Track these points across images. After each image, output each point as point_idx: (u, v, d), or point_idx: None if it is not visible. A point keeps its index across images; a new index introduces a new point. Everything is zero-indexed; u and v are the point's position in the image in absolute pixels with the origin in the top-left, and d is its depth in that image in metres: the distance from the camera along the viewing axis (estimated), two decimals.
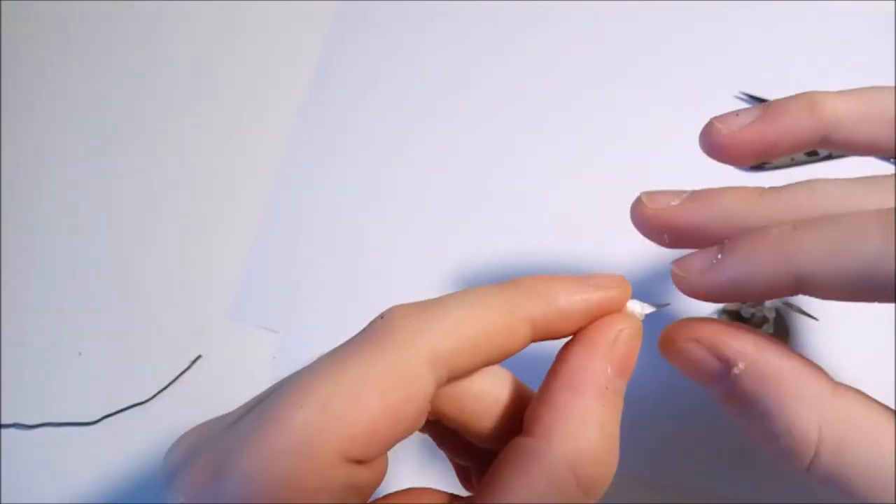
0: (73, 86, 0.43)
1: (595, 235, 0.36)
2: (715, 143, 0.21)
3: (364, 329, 0.18)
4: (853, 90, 0.21)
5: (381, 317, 0.18)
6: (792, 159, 0.35)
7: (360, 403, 0.16)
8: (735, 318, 0.33)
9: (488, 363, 0.18)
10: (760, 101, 0.36)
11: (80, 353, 0.38)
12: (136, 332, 0.38)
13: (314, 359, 0.17)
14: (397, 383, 0.16)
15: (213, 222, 0.39)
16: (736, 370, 0.18)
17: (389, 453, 0.17)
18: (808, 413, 0.17)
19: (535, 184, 0.37)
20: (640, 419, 0.33)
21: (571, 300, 0.19)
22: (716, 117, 0.22)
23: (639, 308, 0.20)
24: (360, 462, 0.16)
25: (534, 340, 0.19)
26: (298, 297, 0.37)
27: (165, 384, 0.36)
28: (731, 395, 0.18)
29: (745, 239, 0.18)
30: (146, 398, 0.36)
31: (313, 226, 0.38)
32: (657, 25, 0.39)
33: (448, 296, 0.18)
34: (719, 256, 0.18)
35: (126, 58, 0.43)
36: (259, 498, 0.15)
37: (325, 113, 0.40)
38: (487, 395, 0.19)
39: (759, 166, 0.35)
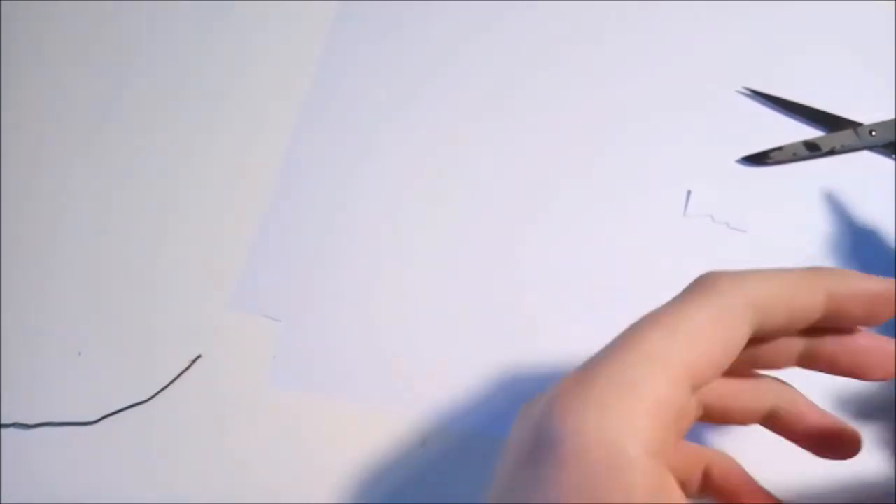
0: (71, 84, 0.43)
1: (603, 237, 0.36)
2: None
3: (688, 288, 0.21)
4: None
5: (702, 277, 0.21)
6: (794, 154, 0.35)
7: (700, 331, 0.19)
8: None
9: (790, 325, 0.21)
10: (763, 96, 0.36)
11: (80, 353, 0.38)
12: (136, 332, 0.38)
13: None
14: (725, 320, 0.20)
15: (214, 221, 0.39)
16: None
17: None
18: None
19: (538, 182, 0.37)
20: None
21: (863, 284, 0.21)
22: None
23: None
24: (693, 387, 0.19)
25: (826, 314, 0.21)
26: (300, 294, 0.37)
27: (165, 384, 0.36)
28: None
29: None
30: (146, 398, 0.36)
31: (313, 224, 0.38)
32: (659, 20, 0.38)
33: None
34: None
35: (126, 56, 0.43)
36: (622, 389, 0.18)
37: (327, 105, 0.40)
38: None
39: (761, 161, 0.35)
